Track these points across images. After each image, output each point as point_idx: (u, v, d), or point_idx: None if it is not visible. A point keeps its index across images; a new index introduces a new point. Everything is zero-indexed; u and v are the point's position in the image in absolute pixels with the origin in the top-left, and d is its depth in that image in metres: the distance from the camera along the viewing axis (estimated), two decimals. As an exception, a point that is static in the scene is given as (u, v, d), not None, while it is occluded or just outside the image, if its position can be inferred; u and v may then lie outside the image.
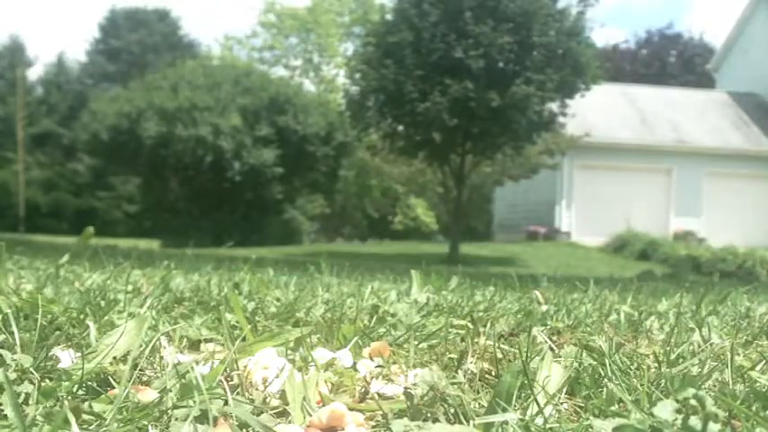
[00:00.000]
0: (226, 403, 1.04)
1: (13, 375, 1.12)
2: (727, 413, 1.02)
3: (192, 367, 1.10)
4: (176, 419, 0.97)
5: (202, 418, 0.94)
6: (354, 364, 1.35)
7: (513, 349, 1.58)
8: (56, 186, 34.84)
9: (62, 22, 70.93)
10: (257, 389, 1.18)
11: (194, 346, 1.56)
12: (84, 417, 0.97)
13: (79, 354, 1.23)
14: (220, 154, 23.35)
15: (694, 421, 0.90)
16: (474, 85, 14.84)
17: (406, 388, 1.13)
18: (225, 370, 1.18)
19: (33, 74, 40.51)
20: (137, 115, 23.51)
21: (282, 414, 1.08)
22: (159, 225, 26.48)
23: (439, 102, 14.89)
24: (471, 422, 0.99)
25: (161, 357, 1.30)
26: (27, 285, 2.39)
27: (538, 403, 1.03)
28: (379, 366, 1.35)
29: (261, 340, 1.38)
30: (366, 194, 29.66)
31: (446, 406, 1.05)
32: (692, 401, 0.95)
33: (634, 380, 1.24)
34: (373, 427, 1.04)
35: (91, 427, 0.95)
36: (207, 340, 1.59)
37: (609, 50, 36.80)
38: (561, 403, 1.15)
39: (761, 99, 25.18)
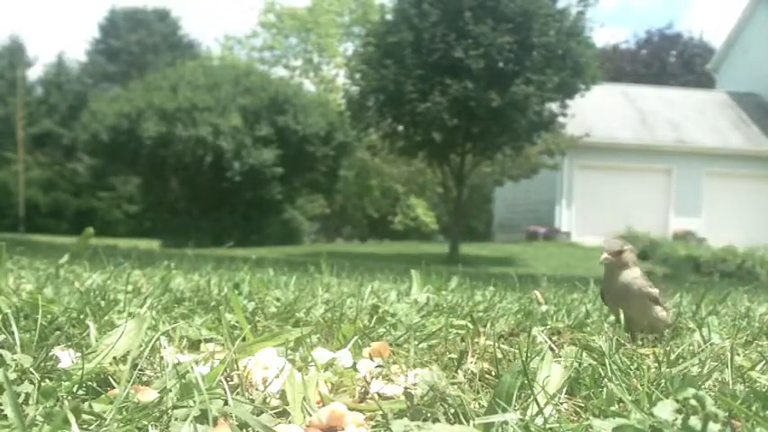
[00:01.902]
0: (226, 403, 1.04)
1: (13, 375, 1.12)
2: (727, 413, 1.02)
3: (191, 367, 1.10)
4: (176, 419, 0.97)
5: (202, 418, 0.94)
6: (354, 364, 1.35)
7: (513, 349, 1.58)
8: (56, 186, 34.83)
9: (62, 22, 70.95)
10: (257, 389, 1.18)
11: (194, 346, 1.56)
12: (84, 417, 0.97)
13: (79, 354, 1.23)
14: (220, 154, 23.35)
15: (694, 421, 0.90)
16: (474, 85, 14.83)
17: (406, 388, 1.13)
18: (225, 370, 1.18)
19: (33, 74, 40.57)
20: (136, 115, 23.51)
21: (282, 414, 1.08)
22: (159, 225, 26.49)
23: (439, 102, 14.88)
24: (471, 422, 0.99)
25: (161, 357, 1.30)
26: (27, 285, 2.39)
27: (538, 403, 1.03)
28: (379, 366, 1.35)
29: (261, 340, 1.38)
30: (366, 194, 29.66)
31: (446, 406, 1.05)
32: (692, 401, 0.95)
33: (634, 380, 1.24)
34: (373, 427, 1.04)
35: (91, 427, 0.96)
36: (207, 340, 1.59)
37: (609, 50, 36.78)
38: (561, 403, 1.15)
39: (761, 99, 25.17)
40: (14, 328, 1.33)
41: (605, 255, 1.74)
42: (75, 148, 30.78)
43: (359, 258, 12.33)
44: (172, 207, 25.66)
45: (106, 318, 1.70)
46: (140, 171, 25.94)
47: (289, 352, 1.39)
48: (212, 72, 26.11)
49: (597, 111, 22.03)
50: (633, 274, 1.74)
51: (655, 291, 1.76)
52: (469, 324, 1.83)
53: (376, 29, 16.84)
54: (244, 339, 1.37)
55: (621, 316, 1.75)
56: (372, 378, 1.26)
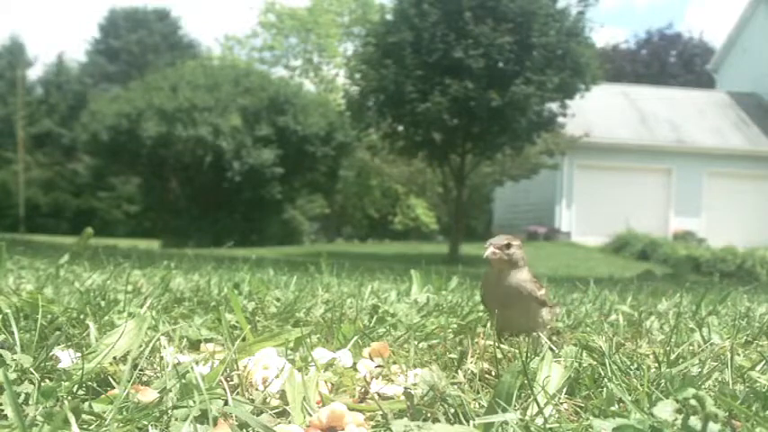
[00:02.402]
0: (226, 403, 1.04)
1: (13, 375, 1.12)
2: (727, 413, 1.02)
3: (191, 367, 1.10)
4: (176, 419, 0.97)
5: (202, 418, 0.94)
6: (354, 364, 1.35)
7: (513, 349, 1.58)
8: (56, 186, 34.84)
9: (62, 22, 70.99)
10: (257, 389, 1.18)
11: (194, 346, 1.56)
12: (84, 417, 0.97)
13: (79, 354, 1.23)
14: (220, 154, 23.36)
15: (694, 421, 0.90)
16: (474, 84, 14.83)
17: (406, 388, 1.13)
18: (225, 370, 1.18)
19: (33, 74, 40.57)
20: (136, 115, 23.52)
21: (282, 414, 1.08)
22: (159, 225, 26.51)
23: (439, 102, 14.88)
24: (471, 422, 0.99)
25: (161, 357, 1.30)
26: (27, 285, 2.39)
27: (538, 403, 1.03)
28: (379, 366, 1.35)
29: (261, 340, 1.38)
30: (366, 194, 29.66)
31: (446, 406, 1.05)
32: (692, 401, 0.95)
33: (634, 380, 1.24)
34: (373, 427, 1.04)
35: (91, 427, 0.95)
36: (207, 340, 1.59)
37: (609, 51, 36.77)
38: (561, 403, 1.15)
39: (761, 99, 25.17)
40: (14, 328, 1.33)
41: (491, 249, 1.55)
42: (75, 148, 30.77)
43: (359, 258, 12.32)
44: (172, 207, 25.67)
45: (106, 318, 1.70)
46: (140, 171, 25.96)
47: (289, 352, 1.39)
48: (212, 72, 26.12)
49: (597, 111, 22.03)
50: (522, 277, 1.60)
51: (542, 293, 1.68)
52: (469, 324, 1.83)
53: (376, 29, 16.82)
54: (244, 339, 1.36)
55: (499, 318, 1.62)
56: (372, 378, 1.26)
